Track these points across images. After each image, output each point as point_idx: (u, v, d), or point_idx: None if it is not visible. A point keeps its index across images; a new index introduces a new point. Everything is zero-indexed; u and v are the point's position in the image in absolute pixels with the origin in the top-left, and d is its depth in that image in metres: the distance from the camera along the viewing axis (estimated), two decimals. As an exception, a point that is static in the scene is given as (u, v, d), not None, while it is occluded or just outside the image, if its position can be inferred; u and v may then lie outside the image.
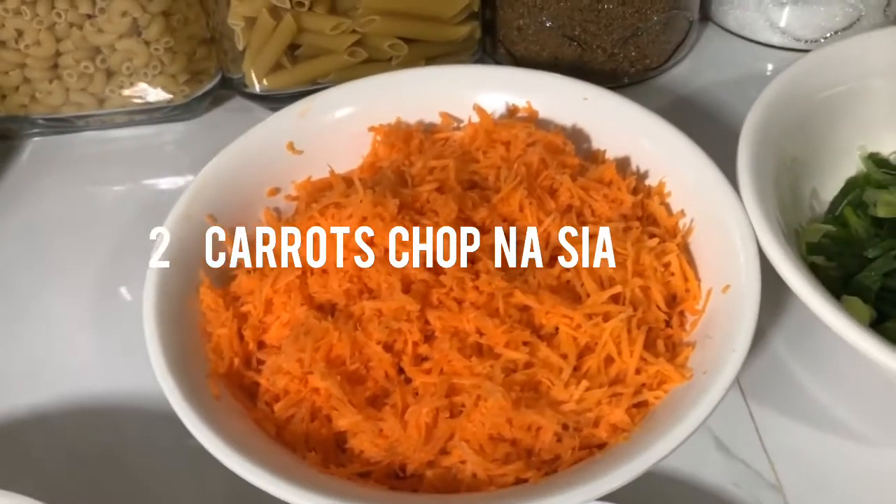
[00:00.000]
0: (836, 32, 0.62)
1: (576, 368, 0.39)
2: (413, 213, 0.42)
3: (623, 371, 0.39)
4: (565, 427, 0.37)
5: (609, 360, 0.39)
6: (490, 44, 0.63)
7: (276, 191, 0.49)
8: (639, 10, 0.58)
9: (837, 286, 0.46)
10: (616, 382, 0.39)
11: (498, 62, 0.64)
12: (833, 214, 0.50)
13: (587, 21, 0.58)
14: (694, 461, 0.42)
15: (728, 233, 0.42)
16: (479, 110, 0.49)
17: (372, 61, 0.59)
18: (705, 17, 0.67)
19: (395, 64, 0.58)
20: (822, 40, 0.63)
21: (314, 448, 0.38)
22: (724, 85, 0.63)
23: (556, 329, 0.40)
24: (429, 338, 0.40)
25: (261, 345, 0.42)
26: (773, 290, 0.47)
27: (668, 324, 0.42)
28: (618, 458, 0.35)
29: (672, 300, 0.43)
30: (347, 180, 0.46)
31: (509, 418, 0.37)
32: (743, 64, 0.64)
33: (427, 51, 0.59)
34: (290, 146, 0.49)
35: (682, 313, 0.42)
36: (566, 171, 0.45)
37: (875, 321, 0.44)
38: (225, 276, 0.44)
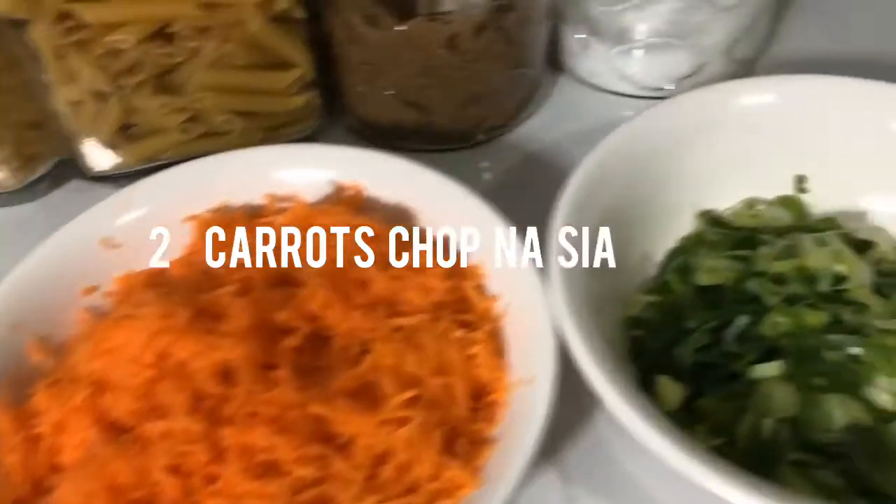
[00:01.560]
0: (683, 79, 0.62)
1: (373, 477, 0.38)
2: (209, 321, 0.41)
3: (418, 478, 0.38)
4: (356, 543, 0.37)
5: (405, 468, 0.39)
6: (339, 108, 0.63)
7: (93, 289, 0.47)
8: (476, 73, 0.57)
9: (659, 360, 0.45)
10: (411, 491, 0.38)
11: (349, 126, 0.63)
12: (659, 281, 0.50)
13: (425, 87, 0.57)
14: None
15: (533, 320, 0.42)
16: (292, 198, 0.48)
17: (210, 135, 0.58)
18: (560, 66, 0.67)
19: (233, 137, 0.57)
20: (672, 87, 0.63)
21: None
22: (577, 137, 0.63)
23: (353, 439, 0.39)
24: (222, 456, 0.39)
25: (55, 469, 0.40)
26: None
27: (475, 418, 0.41)
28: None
29: (480, 391, 0.42)
30: (155, 278, 0.45)
31: (293, 545, 0.36)
32: (595, 114, 0.64)
33: (265, 122, 0.58)
34: (105, 242, 0.48)
35: (490, 405, 0.42)
36: (378, 261, 0.44)
37: (692, 396, 0.44)
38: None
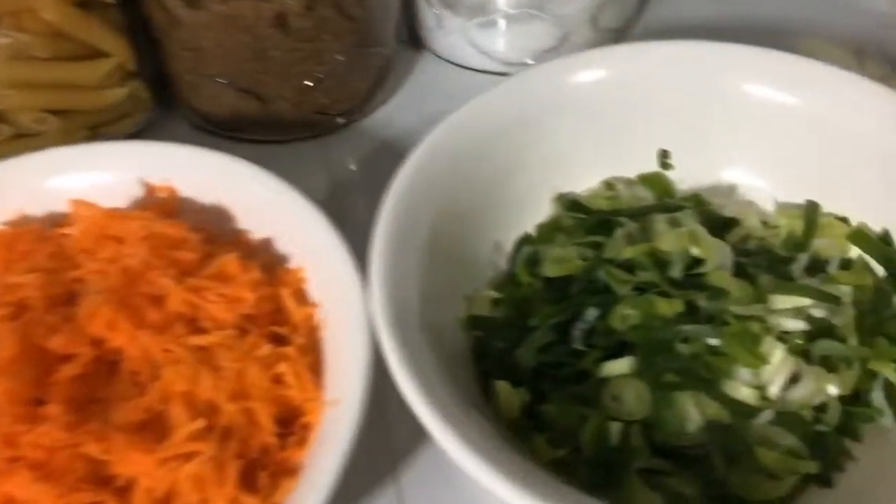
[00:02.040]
0: (547, 52, 0.58)
1: (158, 522, 0.33)
2: (-33, 353, 0.36)
3: (210, 520, 0.33)
4: None
5: (195, 508, 0.34)
6: (176, 99, 0.57)
7: None
8: (314, 55, 0.52)
9: (502, 363, 0.41)
10: (201, 535, 0.33)
11: (187, 119, 0.57)
12: (507, 275, 0.46)
13: (258, 73, 0.52)
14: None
15: (351, 331, 0.37)
16: (85, 205, 0.43)
17: (23, 137, 0.52)
18: (420, 43, 0.62)
19: (50, 138, 0.52)
20: (533, 62, 0.58)
21: None
22: (438, 119, 0.58)
23: (133, 480, 0.34)
24: (-18, 508, 0.34)
25: None
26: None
27: (284, 445, 0.36)
28: None
29: (291, 414, 0.37)
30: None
31: None
32: (459, 94, 0.59)
33: (86, 119, 0.53)
34: None
35: (303, 427, 0.37)
36: (174, 271, 0.39)
37: (536, 401, 0.40)
38: None
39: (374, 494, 0.40)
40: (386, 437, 0.42)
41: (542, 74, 0.45)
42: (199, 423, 0.35)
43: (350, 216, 0.48)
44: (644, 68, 0.46)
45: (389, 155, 0.56)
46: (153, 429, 0.35)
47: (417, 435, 0.41)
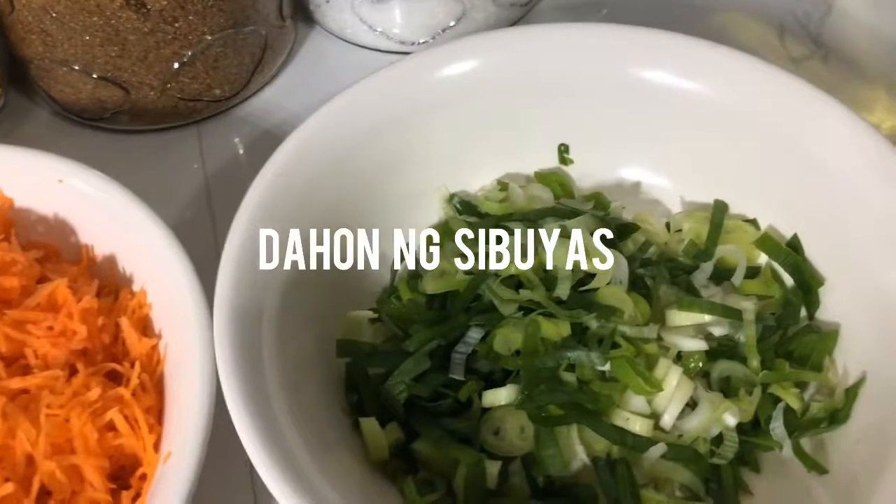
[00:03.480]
0: (443, 30, 0.53)
1: None
2: None
3: None
4: None
5: None
6: (25, 86, 0.51)
7: None
8: (178, 36, 0.46)
9: (375, 394, 0.37)
10: None
11: (48, 109, 0.52)
12: (387, 292, 0.41)
13: (115, 57, 0.46)
14: None
15: (194, 368, 0.33)
16: None
17: None
18: (311, 18, 0.56)
19: None
20: (431, 41, 0.53)
21: None
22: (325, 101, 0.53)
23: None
24: None
25: None
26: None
27: (119, 499, 0.32)
28: None
29: (131, 464, 0.33)
30: None
31: None
32: (348, 74, 0.54)
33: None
34: None
35: (142, 479, 0.33)
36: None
37: (409, 438, 0.36)
38: None
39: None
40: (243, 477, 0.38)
41: (409, 70, 0.41)
42: (9, 488, 0.30)
43: (223, 214, 0.44)
44: (530, 56, 0.41)
45: (273, 141, 0.51)
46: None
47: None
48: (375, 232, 0.42)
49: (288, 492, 0.29)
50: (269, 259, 0.36)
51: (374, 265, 0.42)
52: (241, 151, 0.51)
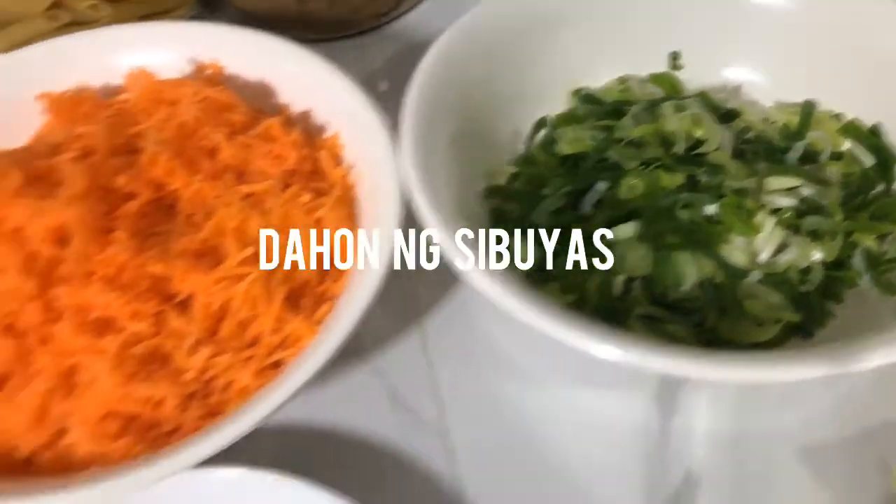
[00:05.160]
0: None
1: (213, 334, 0.38)
2: (44, 186, 0.40)
3: (259, 333, 0.38)
4: (192, 395, 0.36)
5: (245, 323, 0.38)
6: (220, -1, 0.61)
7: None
8: (352, -45, 0.56)
9: (515, 227, 0.45)
10: (252, 345, 0.38)
11: (230, 17, 0.61)
12: (524, 154, 0.50)
13: (296, -30, 0.56)
14: (367, 417, 0.42)
15: (382, 185, 0.41)
16: (141, 73, 0.47)
17: (79, 24, 0.56)
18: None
19: (103, 26, 0.55)
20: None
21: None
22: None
23: (192, 296, 0.39)
24: (58, 318, 0.38)
25: None
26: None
27: (323, 279, 0.41)
28: (228, 421, 0.34)
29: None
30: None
31: (124, 393, 0.35)
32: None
33: (138, 9, 0.57)
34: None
35: (337, 267, 0.41)
36: (224, 130, 0.43)
37: (545, 260, 0.44)
38: None
39: (400, 336, 0.44)
40: (411, 287, 0.46)
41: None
42: (250, 250, 0.39)
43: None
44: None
45: (421, 56, 0.60)
46: (208, 257, 0.40)
47: (438, 286, 0.46)
48: (513, 114, 0.50)
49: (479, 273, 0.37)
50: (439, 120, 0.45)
51: (507, 139, 0.50)
52: (391, 62, 0.60)
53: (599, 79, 0.53)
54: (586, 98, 0.52)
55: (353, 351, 0.43)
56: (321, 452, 0.40)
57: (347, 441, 0.41)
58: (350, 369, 0.43)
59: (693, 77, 0.53)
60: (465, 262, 0.37)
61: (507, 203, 0.46)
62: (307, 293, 0.40)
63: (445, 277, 0.46)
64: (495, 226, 0.46)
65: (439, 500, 0.39)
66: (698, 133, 0.46)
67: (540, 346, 0.43)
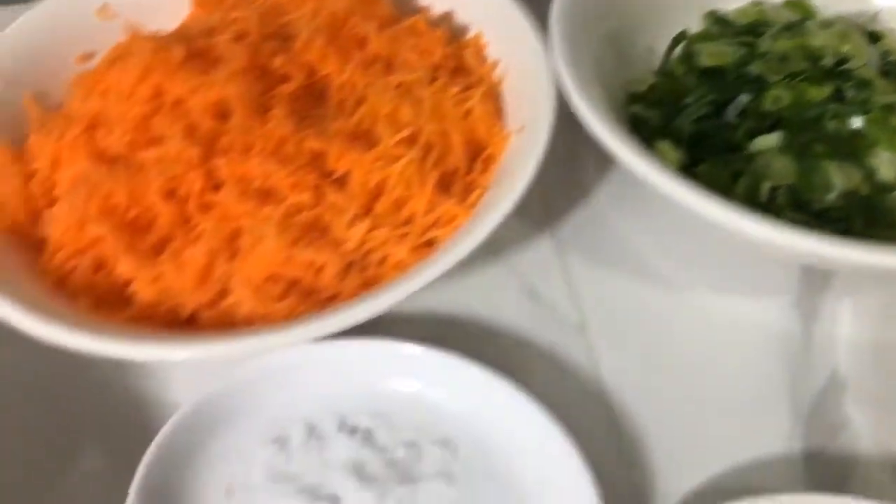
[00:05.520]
0: None
1: (369, 211, 0.38)
2: (203, 62, 0.41)
3: (413, 212, 0.38)
4: (350, 266, 0.37)
5: (400, 202, 0.39)
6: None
7: (89, 56, 0.47)
8: None
9: (656, 134, 0.45)
10: (406, 223, 0.38)
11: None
12: (663, 69, 0.49)
13: None
14: (503, 308, 0.42)
15: (533, 84, 0.41)
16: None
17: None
18: None
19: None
20: None
21: (97, 298, 0.37)
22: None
23: (349, 174, 0.39)
24: (218, 187, 0.39)
25: (52, 203, 0.41)
26: (600, 149, 0.47)
27: (471, 169, 0.41)
28: (385, 289, 0.34)
29: (477, 147, 0.42)
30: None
31: (287, 257, 0.36)
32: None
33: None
34: (101, 11, 0.47)
35: (485, 160, 0.42)
36: (374, 22, 0.43)
37: (689, 165, 0.44)
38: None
39: (535, 240, 0.45)
40: (547, 191, 0.46)
41: None
42: (406, 132, 0.39)
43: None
44: None
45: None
46: (362, 140, 0.40)
47: (576, 191, 0.46)
48: (649, 33, 0.50)
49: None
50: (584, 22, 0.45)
51: (644, 54, 0.50)
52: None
53: (730, 3, 0.53)
54: (719, 20, 0.51)
55: (490, 250, 0.43)
56: (462, 339, 0.40)
57: (488, 330, 0.41)
58: (488, 267, 0.43)
59: (828, 4, 0.52)
60: (624, 151, 0.37)
61: (649, 110, 0.46)
62: (456, 181, 0.40)
63: (582, 182, 0.46)
64: (636, 133, 0.46)
65: (581, 390, 0.39)
66: (845, 48, 0.45)
67: (680, 251, 0.44)
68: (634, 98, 0.46)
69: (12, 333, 0.34)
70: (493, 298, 0.42)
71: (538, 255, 0.44)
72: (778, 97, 0.44)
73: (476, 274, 0.43)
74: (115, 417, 0.38)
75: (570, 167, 0.47)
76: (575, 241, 0.44)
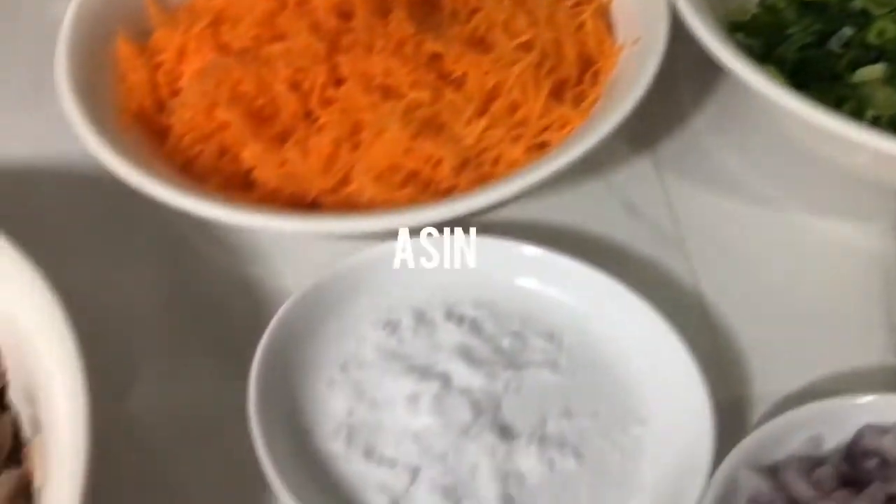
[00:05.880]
0: None
1: (483, 113, 0.40)
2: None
3: (527, 115, 0.39)
4: (466, 162, 0.38)
5: (515, 106, 0.40)
6: None
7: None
8: None
9: (762, 60, 0.46)
10: (521, 125, 0.39)
11: None
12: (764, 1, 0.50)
13: None
14: (603, 221, 0.43)
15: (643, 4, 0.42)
16: None
17: None
18: None
19: None
20: None
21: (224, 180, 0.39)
22: None
23: (465, 76, 0.40)
24: (339, 83, 0.40)
25: (176, 93, 0.42)
26: (699, 76, 0.48)
27: (580, 81, 0.42)
28: (501, 182, 0.36)
29: (586, 61, 0.43)
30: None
31: (408, 149, 0.37)
32: None
33: None
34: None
35: (595, 73, 0.43)
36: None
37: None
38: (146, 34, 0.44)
39: (633, 158, 0.46)
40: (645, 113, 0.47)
41: None
42: (524, 37, 0.40)
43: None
44: None
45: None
46: (479, 45, 0.41)
47: (675, 115, 0.47)
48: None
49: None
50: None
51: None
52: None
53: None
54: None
55: (589, 167, 0.44)
56: (564, 248, 0.41)
57: (589, 241, 0.42)
58: (586, 182, 0.44)
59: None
60: (741, 66, 0.38)
61: (751, 38, 0.47)
62: (567, 90, 0.41)
63: (680, 109, 0.47)
64: (738, 59, 0.46)
65: (682, 301, 0.40)
66: (955, -13, 0.46)
67: (778, 174, 0.44)
68: (736, 26, 0.47)
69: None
70: (594, 213, 0.43)
71: (637, 173, 0.45)
72: (883, 30, 0.44)
73: (576, 190, 0.44)
74: (235, 299, 0.40)
75: (668, 94, 0.47)
76: (673, 162, 0.45)
